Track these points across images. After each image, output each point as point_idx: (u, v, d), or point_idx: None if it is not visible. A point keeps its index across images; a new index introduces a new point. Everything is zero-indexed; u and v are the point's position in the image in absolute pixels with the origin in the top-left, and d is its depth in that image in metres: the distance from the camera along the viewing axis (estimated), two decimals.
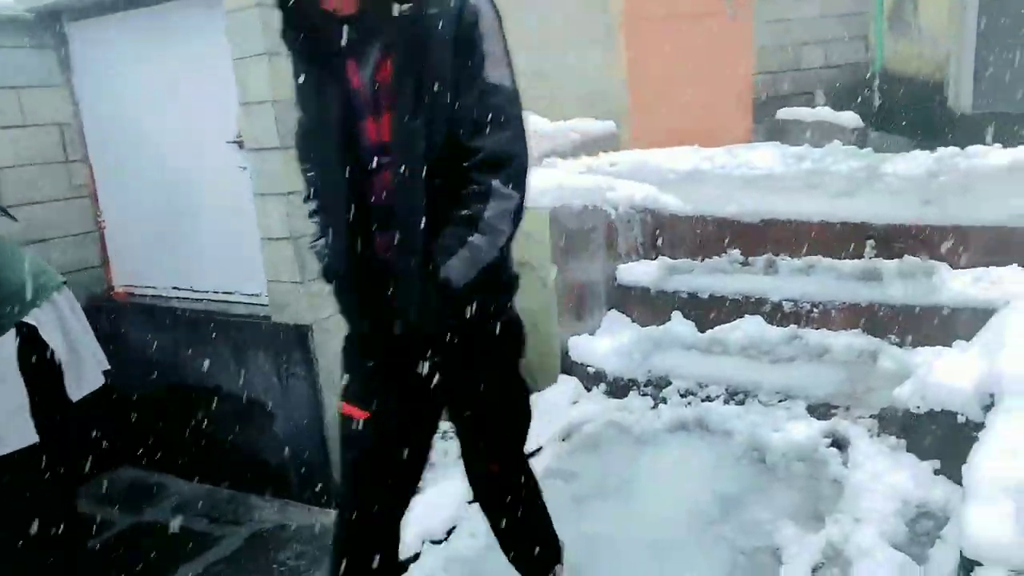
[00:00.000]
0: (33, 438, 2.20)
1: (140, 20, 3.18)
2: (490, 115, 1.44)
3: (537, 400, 3.19)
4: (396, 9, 1.45)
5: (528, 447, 2.79)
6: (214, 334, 3.18)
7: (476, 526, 2.42)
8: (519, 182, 1.49)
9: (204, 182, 3.19)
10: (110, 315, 3.45)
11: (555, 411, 3.07)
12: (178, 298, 3.39)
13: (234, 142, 3.01)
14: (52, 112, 3.37)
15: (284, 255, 2.88)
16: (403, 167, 1.46)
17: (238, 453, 3.21)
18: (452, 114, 1.45)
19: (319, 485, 3.05)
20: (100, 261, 3.56)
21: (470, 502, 2.58)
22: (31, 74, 3.30)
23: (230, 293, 3.24)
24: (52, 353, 2.25)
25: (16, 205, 3.15)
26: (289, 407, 3.04)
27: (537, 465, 2.71)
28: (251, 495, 3.20)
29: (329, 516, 3.01)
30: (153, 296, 3.47)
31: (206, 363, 3.22)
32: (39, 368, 2.21)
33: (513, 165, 1.47)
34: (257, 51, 2.72)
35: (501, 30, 1.52)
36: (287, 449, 3.08)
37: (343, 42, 1.49)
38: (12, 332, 2.17)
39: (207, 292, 3.32)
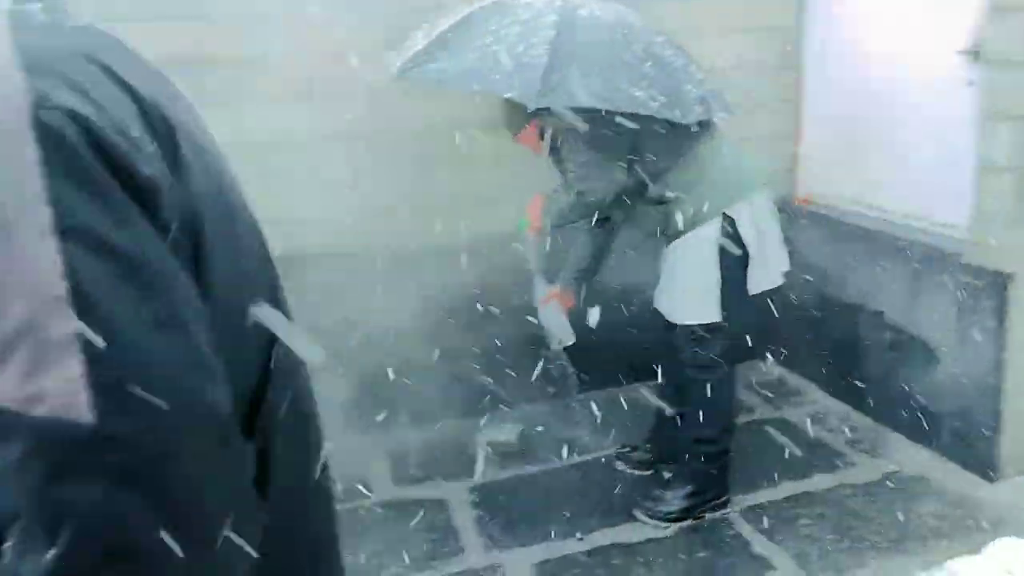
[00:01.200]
0: (717, 317, 2.48)
1: None
2: None
3: None
4: None
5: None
6: (890, 258, 3.01)
7: None
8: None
9: (916, 95, 2.93)
10: (789, 220, 3.56)
11: None
12: (858, 213, 3.30)
13: (966, 52, 2.65)
14: (776, 18, 3.48)
15: (1002, 189, 2.50)
16: None
17: (888, 385, 3.06)
18: None
19: (976, 451, 2.71)
20: (790, 167, 3.67)
21: None
22: None
23: (918, 219, 3.00)
24: (744, 247, 2.45)
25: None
26: (962, 358, 2.73)
27: None
28: (893, 432, 3.05)
29: (977, 487, 2.68)
30: (833, 207, 3.45)
31: (874, 286, 3.10)
32: (731, 257, 2.44)
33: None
34: None
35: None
36: (948, 400, 2.80)
37: None
38: (718, 219, 2.43)
39: (890, 213, 3.14)
